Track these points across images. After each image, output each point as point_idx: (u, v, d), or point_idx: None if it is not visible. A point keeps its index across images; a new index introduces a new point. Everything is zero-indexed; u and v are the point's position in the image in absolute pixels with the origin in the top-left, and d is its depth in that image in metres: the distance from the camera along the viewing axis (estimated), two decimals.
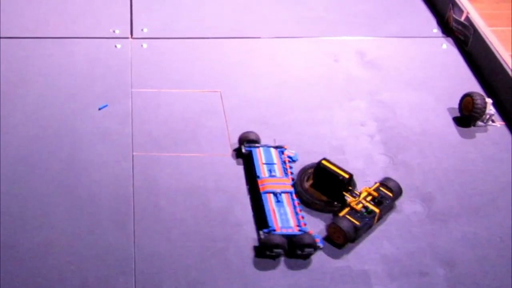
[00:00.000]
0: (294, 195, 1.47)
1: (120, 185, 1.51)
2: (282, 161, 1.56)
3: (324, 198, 1.50)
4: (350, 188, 1.49)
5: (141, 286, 1.31)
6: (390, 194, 1.49)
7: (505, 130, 1.77)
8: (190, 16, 2.12)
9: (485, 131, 1.76)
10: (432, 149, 1.69)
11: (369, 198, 1.47)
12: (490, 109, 1.75)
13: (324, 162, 1.50)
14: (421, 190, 1.56)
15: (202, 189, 1.52)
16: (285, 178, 1.51)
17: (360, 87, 1.88)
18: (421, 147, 1.69)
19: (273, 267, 1.37)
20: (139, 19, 2.08)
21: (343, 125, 1.74)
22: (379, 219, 1.47)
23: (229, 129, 1.69)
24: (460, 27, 2.07)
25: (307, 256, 1.38)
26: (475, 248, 1.44)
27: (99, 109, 1.72)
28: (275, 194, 1.46)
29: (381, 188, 1.50)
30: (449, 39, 2.10)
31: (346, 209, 1.45)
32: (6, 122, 1.66)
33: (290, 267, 1.37)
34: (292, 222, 1.40)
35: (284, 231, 1.38)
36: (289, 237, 1.37)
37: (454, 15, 2.10)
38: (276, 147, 1.60)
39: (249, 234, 1.43)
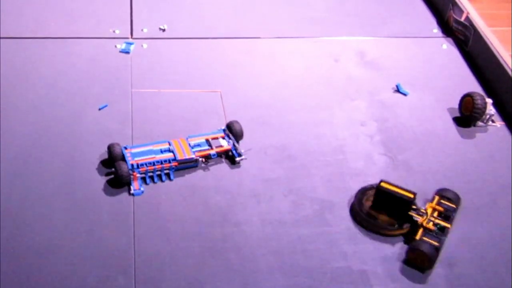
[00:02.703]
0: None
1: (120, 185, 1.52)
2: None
3: (386, 219, 1.45)
4: (415, 207, 1.45)
5: (141, 286, 1.31)
6: (453, 206, 1.47)
7: (505, 130, 1.77)
8: (190, 16, 2.12)
9: (485, 131, 1.76)
10: (432, 149, 1.69)
11: (436, 214, 1.45)
12: (490, 109, 1.75)
13: (383, 184, 1.44)
14: (421, 190, 1.56)
15: (202, 189, 1.53)
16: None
17: (360, 87, 1.88)
18: (421, 147, 1.69)
19: (273, 267, 1.37)
20: (139, 19, 2.08)
21: (343, 125, 1.74)
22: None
23: None
24: (460, 27, 2.07)
25: None
26: (475, 248, 1.44)
27: (99, 109, 1.72)
28: None
29: (443, 201, 1.48)
30: (449, 39, 2.10)
31: (420, 230, 1.40)
32: (6, 122, 1.66)
33: (290, 267, 1.37)
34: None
35: None
36: None
37: (454, 15, 2.10)
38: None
39: (249, 234, 1.43)
